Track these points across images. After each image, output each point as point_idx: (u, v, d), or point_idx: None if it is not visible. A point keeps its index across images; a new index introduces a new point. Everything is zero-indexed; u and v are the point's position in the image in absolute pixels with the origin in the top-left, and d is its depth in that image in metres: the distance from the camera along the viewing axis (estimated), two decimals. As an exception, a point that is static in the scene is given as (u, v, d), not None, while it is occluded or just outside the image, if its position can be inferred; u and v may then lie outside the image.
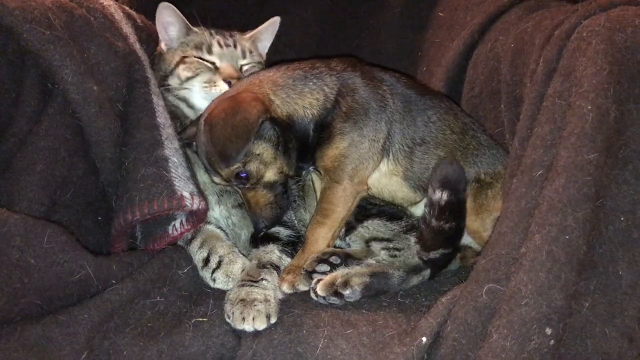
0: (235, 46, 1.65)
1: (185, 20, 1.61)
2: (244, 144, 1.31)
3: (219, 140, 1.33)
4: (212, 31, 1.66)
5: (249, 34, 1.74)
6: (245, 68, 1.65)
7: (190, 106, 1.58)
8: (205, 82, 1.55)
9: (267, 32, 1.78)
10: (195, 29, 1.63)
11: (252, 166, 1.37)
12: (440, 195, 1.29)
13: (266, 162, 1.39)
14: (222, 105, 1.37)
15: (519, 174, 1.14)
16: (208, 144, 1.35)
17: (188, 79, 1.56)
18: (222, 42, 1.63)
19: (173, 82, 1.58)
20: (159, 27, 1.61)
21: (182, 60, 1.58)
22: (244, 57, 1.66)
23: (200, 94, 1.56)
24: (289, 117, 1.39)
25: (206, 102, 1.51)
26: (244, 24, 1.78)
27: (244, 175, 1.38)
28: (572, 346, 1.05)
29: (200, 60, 1.58)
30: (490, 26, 1.67)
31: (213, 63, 1.59)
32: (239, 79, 1.55)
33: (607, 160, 1.06)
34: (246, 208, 1.46)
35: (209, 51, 1.60)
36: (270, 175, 1.41)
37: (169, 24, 1.61)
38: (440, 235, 1.32)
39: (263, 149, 1.38)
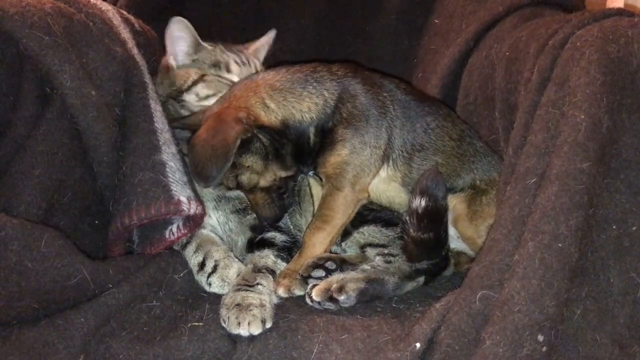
0: (249, 63, 1.67)
1: (197, 35, 1.61)
2: (223, 164, 1.32)
3: (200, 160, 1.34)
4: (221, 47, 1.67)
5: (251, 48, 1.76)
6: None
7: None
8: None
9: (266, 44, 1.82)
10: (204, 44, 1.63)
11: (244, 177, 1.41)
12: (419, 202, 1.30)
13: (258, 172, 1.41)
14: (207, 124, 1.37)
15: (512, 181, 1.15)
16: (189, 162, 1.38)
17: (207, 96, 1.56)
18: (238, 61, 1.65)
19: (190, 98, 1.57)
20: (168, 41, 1.59)
21: (202, 78, 1.58)
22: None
23: None
24: (284, 121, 1.40)
25: None
26: (240, 30, 1.79)
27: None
28: (563, 352, 1.06)
29: (221, 79, 1.59)
30: (485, 34, 1.69)
31: (232, 82, 1.60)
32: None
33: (600, 169, 1.07)
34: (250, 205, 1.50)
35: (228, 70, 1.61)
36: (264, 182, 1.42)
37: (180, 38, 1.59)
38: (421, 246, 1.34)
39: (252, 161, 1.39)
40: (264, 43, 1.81)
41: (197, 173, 1.36)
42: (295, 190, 1.61)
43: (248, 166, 1.40)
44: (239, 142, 1.32)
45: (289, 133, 1.41)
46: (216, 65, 1.61)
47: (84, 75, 1.28)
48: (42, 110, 1.26)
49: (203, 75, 1.58)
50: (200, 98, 1.57)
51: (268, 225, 1.49)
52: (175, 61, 1.61)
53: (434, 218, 1.33)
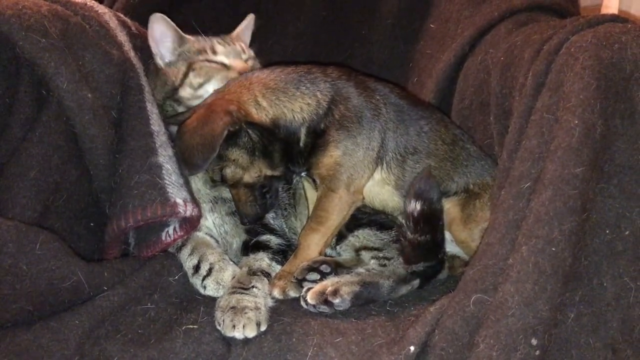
0: (234, 43, 1.66)
1: (178, 29, 1.60)
2: (209, 153, 1.33)
3: (187, 148, 1.36)
4: (202, 36, 1.65)
5: (233, 34, 1.74)
6: (249, 63, 1.64)
7: None
8: (221, 83, 1.53)
9: (247, 29, 1.80)
10: (187, 36, 1.62)
11: (229, 171, 1.42)
12: (414, 206, 1.31)
13: (243, 166, 1.41)
14: (198, 113, 1.39)
15: (507, 185, 1.16)
16: (177, 149, 1.40)
17: (201, 84, 1.54)
18: (221, 42, 1.64)
19: (185, 92, 1.55)
20: (152, 42, 1.58)
21: (191, 68, 1.56)
22: (244, 52, 1.66)
23: None
24: (275, 120, 1.41)
25: None
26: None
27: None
28: (557, 356, 1.06)
29: (210, 63, 1.57)
30: (480, 39, 1.70)
31: (222, 62, 1.59)
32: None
33: (593, 174, 1.08)
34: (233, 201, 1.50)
35: (214, 52, 1.60)
36: (248, 177, 1.43)
37: (165, 35, 1.58)
38: (418, 249, 1.34)
39: (238, 155, 1.40)
40: (243, 28, 1.78)
41: (183, 160, 1.39)
42: (289, 194, 1.62)
43: (234, 159, 1.41)
44: (226, 132, 1.33)
45: (279, 132, 1.42)
46: (202, 51, 1.59)
47: (80, 78, 1.28)
48: (38, 113, 1.27)
49: (191, 64, 1.56)
50: (194, 88, 1.55)
51: (248, 223, 1.49)
52: (162, 60, 1.60)
53: (430, 220, 1.33)
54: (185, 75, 1.56)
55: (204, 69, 1.56)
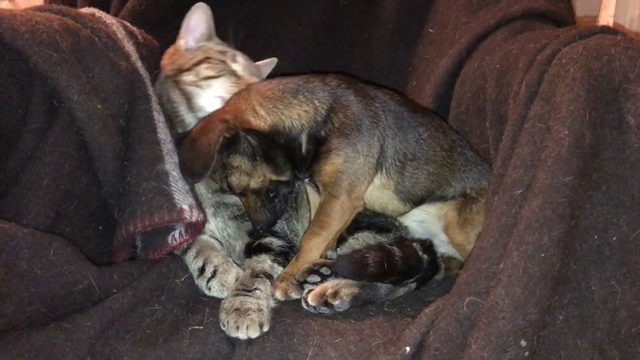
0: (254, 65, 1.72)
1: (213, 28, 1.65)
2: (208, 161, 1.38)
3: (188, 158, 1.41)
4: (231, 45, 1.71)
5: (256, 64, 1.80)
6: None
7: (191, 106, 1.58)
8: (228, 86, 1.57)
9: (266, 67, 1.87)
10: (216, 37, 1.67)
11: (234, 178, 1.46)
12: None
13: (247, 172, 1.46)
14: (197, 126, 1.45)
15: (500, 191, 1.19)
16: (179, 161, 1.45)
17: (208, 77, 1.58)
18: (245, 57, 1.69)
19: (188, 78, 1.58)
20: (184, 26, 1.63)
21: (206, 59, 1.60)
22: (258, 76, 1.70)
23: (217, 93, 1.56)
24: (274, 126, 1.45)
25: (213, 105, 1.55)
26: (240, 39, 1.82)
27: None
28: (546, 357, 1.11)
29: (225, 64, 1.61)
30: (477, 45, 1.73)
31: (235, 70, 1.63)
32: None
33: (582, 183, 1.12)
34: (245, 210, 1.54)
35: (234, 60, 1.64)
36: (254, 183, 1.47)
37: (197, 26, 1.64)
38: (396, 282, 1.40)
39: (240, 161, 1.45)
40: (265, 64, 1.86)
41: (185, 170, 1.43)
42: (292, 197, 1.65)
43: (237, 166, 1.45)
44: (221, 139, 1.38)
45: (279, 138, 1.46)
46: (223, 52, 1.64)
47: (90, 90, 1.33)
48: (50, 123, 1.31)
49: (208, 58, 1.61)
50: (198, 78, 1.58)
51: (262, 230, 1.53)
52: (185, 45, 1.65)
53: (380, 276, 1.36)
54: (199, 63, 1.59)
55: (218, 66, 1.60)
